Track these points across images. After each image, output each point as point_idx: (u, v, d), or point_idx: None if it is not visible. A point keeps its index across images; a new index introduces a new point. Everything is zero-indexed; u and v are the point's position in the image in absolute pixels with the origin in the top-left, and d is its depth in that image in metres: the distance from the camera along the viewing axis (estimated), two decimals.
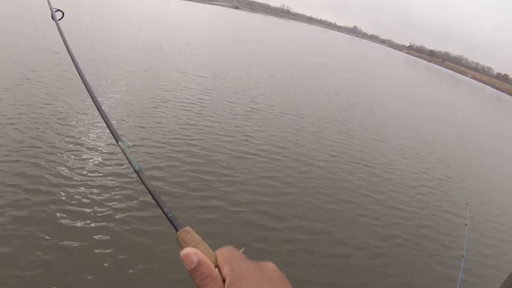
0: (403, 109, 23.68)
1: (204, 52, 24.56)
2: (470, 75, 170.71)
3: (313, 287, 5.60)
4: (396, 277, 6.43)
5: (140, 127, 9.44)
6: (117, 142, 0.87)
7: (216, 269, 0.61)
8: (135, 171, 0.79)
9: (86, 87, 1.15)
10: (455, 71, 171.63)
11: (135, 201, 6.18)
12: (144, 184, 0.76)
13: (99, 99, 1.04)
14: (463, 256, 5.69)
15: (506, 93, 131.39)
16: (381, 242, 7.28)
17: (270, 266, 0.61)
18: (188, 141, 9.24)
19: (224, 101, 13.70)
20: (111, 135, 0.90)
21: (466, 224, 6.63)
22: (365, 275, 6.24)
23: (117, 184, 6.59)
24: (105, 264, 4.81)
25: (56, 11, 1.85)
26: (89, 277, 4.55)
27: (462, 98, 54.51)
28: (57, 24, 1.74)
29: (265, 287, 0.55)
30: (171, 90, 13.29)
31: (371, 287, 6.02)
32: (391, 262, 6.79)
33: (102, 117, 0.97)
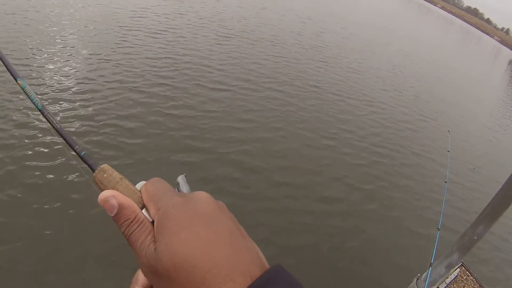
0: (375, 40, 23.05)
1: None
2: (440, 5, 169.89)
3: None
4: (383, 204, 6.47)
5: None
6: (16, 80, 0.78)
7: (144, 209, 0.54)
8: (39, 110, 0.71)
9: None
10: (425, 0, 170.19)
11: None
12: (49, 122, 0.68)
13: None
14: (446, 182, 5.51)
15: (475, 27, 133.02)
16: (367, 174, 7.23)
17: (202, 197, 0.52)
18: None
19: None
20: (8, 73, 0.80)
21: (448, 151, 6.43)
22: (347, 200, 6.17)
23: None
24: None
25: None
26: None
27: (436, 32, 54.71)
28: None
29: (197, 223, 0.47)
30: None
31: (355, 216, 5.95)
32: (377, 190, 6.81)
33: None
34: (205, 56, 9.77)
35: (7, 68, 0.81)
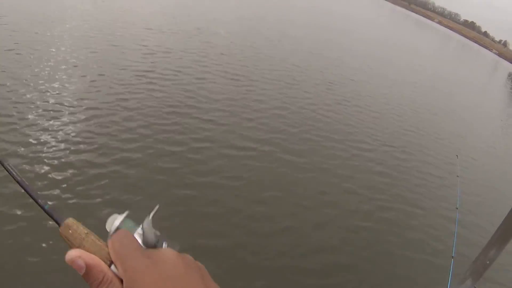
0: (376, 56, 23.51)
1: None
2: (437, 20, 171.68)
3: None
4: (394, 231, 6.50)
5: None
6: None
7: (112, 265, 0.54)
8: None
9: None
10: (422, 15, 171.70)
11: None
12: (10, 174, 0.64)
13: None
14: (457, 208, 5.57)
15: (472, 40, 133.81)
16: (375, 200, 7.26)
17: (168, 257, 0.53)
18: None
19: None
20: None
21: (457, 176, 6.51)
22: (360, 233, 6.22)
23: None
24: None
25: None
26: None
27: (434, 47, 55.07)
28: None
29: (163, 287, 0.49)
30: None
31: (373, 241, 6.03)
32: (388, 217, 6.84)
33: None
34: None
35: None
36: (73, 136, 6.28)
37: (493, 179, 10.51)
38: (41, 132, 6.15)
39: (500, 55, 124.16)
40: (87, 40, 10.75)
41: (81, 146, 6.10)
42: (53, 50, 9.37)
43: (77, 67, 8.86)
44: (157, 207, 0.65)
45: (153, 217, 0.62)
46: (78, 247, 0.55)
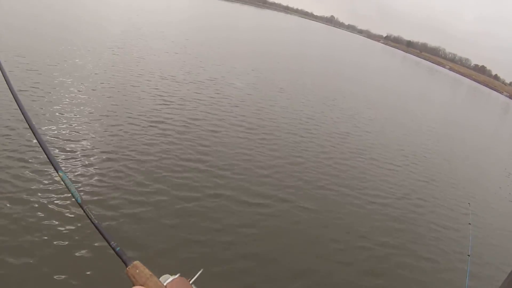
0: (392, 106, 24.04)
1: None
2: (448, 67, 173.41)
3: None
4: (405, 277, 6.58)
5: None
6: (57, 172, 0.83)
7: None
8: (78, 203, 0.75)
9: (20, 110, 1.07)
10: (433, 62, 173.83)
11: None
12: (88, 217, 0.73)
13: (34, 123, 0.97)
14: (468, 255, 5.75)
15: (483, 84, 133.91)
16: (385, 245, 7.38)
17: None
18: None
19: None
20: (50, 163, 0.84)
21: (469, 223, 6.73)
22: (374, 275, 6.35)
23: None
24: None
25: None
26: None
27: (446, 93, 55.33)
28: None
29: None
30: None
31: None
32: (399, 264, 6.93)
33: (39, 144, 0.90)
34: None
35: (48, 159, 0.88)
36: (85, 179, 6.52)
37: (506, 224, 10.53)
38: (53, 176, 6.37)
39: (511, 97, 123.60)
40: (103, 86, 11.34)
41: (95, 189, 6.34)
42: (68, 95, 9.92)
43: (92, 114, 9.22)
44: (201, 271, 0.76)
45: (197, 278, 0.73)
46: (142, 285, 0.63)
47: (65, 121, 8.52)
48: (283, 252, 6.23)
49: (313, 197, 8.26)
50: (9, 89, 1.20)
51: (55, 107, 9.05)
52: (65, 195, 5.95)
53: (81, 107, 9.42)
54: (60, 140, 7.65)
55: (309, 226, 7.19)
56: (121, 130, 8.82)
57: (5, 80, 1.25)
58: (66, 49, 14.53)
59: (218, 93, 14.00)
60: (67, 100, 9.67)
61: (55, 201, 5.77)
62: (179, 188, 7.07)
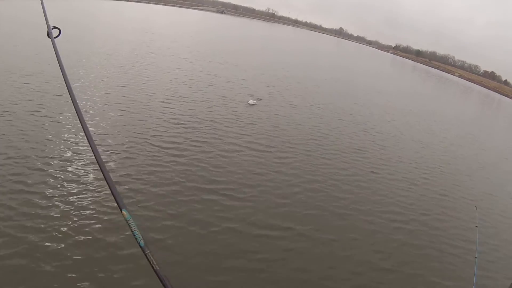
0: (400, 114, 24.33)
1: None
2: (458, 74, 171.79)
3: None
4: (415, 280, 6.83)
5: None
6: (121, 210, 0.79)
7: None
8: (140, 247, 0.74)
9: (92, 149, 1.08)
10: (442, 70, 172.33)
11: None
12: (149, 262, 0.71)
13: (103, 157, 1.03)
14: (475, 257, 5.89)
15: (494, 90, 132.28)
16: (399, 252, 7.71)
17: None
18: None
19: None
20: (115, 201, 0.84)
21: (476, 226, 6.88)
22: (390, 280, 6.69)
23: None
24: None
25: (53, 28, 1.72)
26: None
27: (455, 100, 54.94)
28: (53, 42, 1.62)
29: None
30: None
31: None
32: (408, 267, 7.22)
33: (106, 180, 0.89)
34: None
35: (113, 196, 0.86)
36: (88, 206, 6.73)
37: None
38: (62, 200, 6.77)
39: None
40: (115, 105, 11.98)
41: (102, 217, 6.55)
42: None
43: (107, 136, 9.66)
44: None
45: None
46: None
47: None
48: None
49: (332, 221, 8.37)
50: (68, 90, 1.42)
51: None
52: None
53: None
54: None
55: (329, 253, 7.26)
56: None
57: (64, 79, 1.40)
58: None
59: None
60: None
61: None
62: (194, 215, 7.24)
